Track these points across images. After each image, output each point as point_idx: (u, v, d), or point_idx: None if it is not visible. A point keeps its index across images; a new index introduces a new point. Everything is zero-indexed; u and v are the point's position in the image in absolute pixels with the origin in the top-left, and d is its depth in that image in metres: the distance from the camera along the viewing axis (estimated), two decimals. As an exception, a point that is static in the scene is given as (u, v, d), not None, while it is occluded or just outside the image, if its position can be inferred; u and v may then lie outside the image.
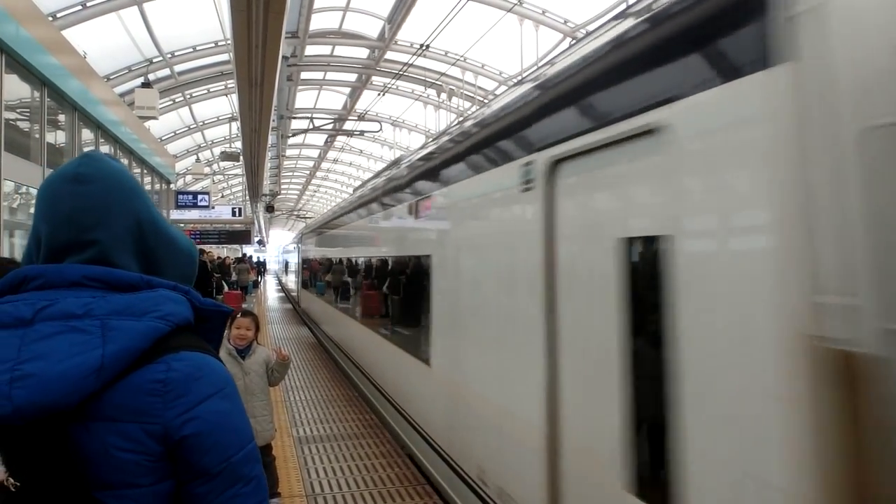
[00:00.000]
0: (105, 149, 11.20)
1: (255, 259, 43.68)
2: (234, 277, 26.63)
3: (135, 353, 1.14)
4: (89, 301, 1.17)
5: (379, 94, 19.10)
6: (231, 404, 1.23)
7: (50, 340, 1.10)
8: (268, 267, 61.79)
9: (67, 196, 1.25)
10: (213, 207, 25.69)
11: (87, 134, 10.09)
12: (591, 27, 13.71)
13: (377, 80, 20.51)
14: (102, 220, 1.26)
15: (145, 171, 14.55)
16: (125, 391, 1.12)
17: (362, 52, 19.37)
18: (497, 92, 16.61)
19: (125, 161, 12.68)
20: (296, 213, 52.24)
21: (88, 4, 12.63)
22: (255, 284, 30.55)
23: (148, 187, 15.06)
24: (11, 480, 0.95)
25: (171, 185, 19.41)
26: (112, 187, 1.28)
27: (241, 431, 1.22)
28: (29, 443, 1.04)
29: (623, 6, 10.95)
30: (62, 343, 1.10)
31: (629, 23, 2.99)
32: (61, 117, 9.26)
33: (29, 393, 1.04)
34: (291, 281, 29.83)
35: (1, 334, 1.10)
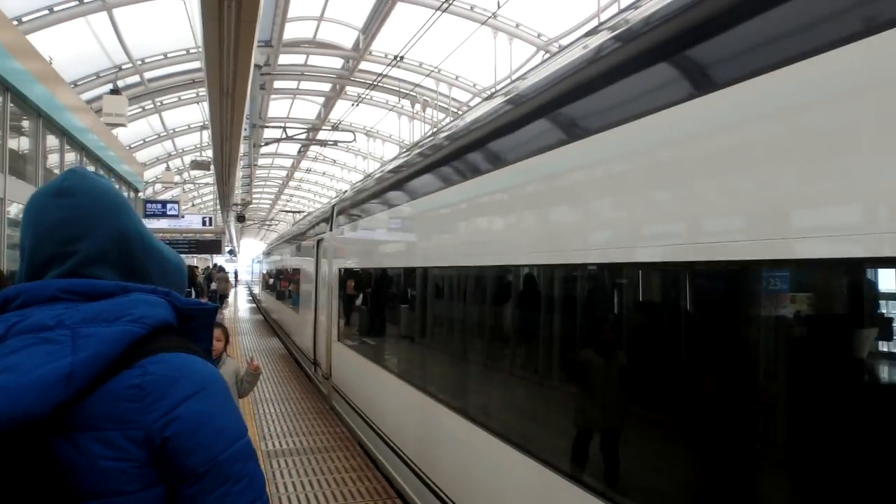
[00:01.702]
0: (71, 156, 10.98)
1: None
2: (213, 287, 26.39)
3: (107, 358, 1.13)
4: (61, 312, 1.17)
5: (353, 105, 19.03)
6: (214, 402, 1.20)
7: (19, 353, 1.10)
8: (239, 277, 61.09)
9: (51, 209, 1.27)
10: (182, 216, 25.32)
11: (51, 140, 9.87)
12: (563, 41, 13.84)
13: (351, 90, 20.44)
14: (85, 233, 1.27)
15: (113, 179, 14.28)
16: (104, 399, 1.12)
17: (336, 62, 19.30)
18: (471, 104, 16.68)
19: (92, 168, 12.43)
20: (268, 222, 51.72)
21: (55, 9, 12.38)
22: (223, 297, 29.67)
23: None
24: None
25: (140, 194, 19.08)
26: (95, 201, 1.29)
27: (226, 430, 1.20)
28: (6, 455, 1.02)
29: (595, 22, 11.07)
30: (31, 354, 1.09)
31: None
32: (25, 123, 9.05)
33: None
34: (255, 286, 41.77)
35: None
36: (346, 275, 9.31)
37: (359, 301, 8.79)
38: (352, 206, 9.31)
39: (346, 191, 12.55)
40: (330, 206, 11.54)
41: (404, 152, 8.54)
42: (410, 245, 6.36)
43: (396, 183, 6.97)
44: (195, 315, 1.35)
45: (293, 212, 34.04)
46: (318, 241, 12.05)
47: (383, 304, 7.38)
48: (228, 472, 1.18)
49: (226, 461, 1.18)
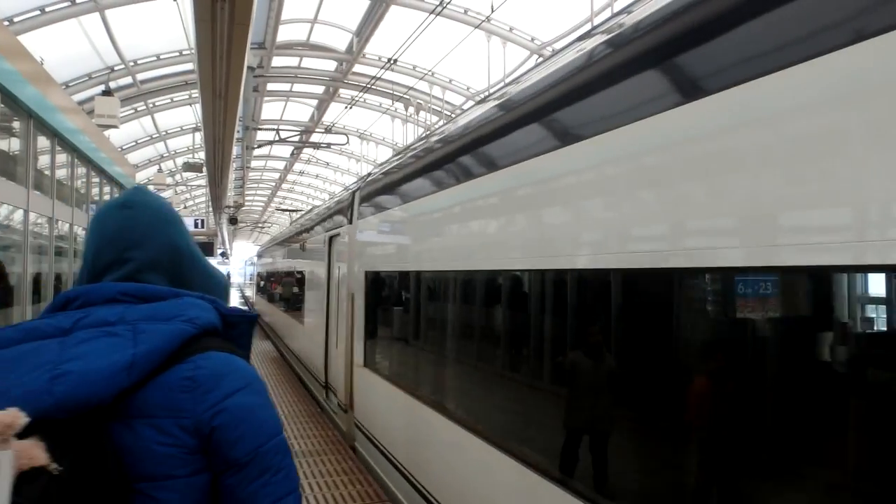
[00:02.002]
0: (62, 157, 10.91)
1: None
2: None
3: (164, 352, 1.26)
4: (122, 310, 1.32)
5: (346, 107, 19.01)
6: (258, 398, 1.33)
7: (86, 344, 1.24)
8: (231, 279, 60.88)
9: (114, 220, 1.45)
10: (175, 218, 25.21)
11: (42, 142, 9.80)
12: (557, 45, 13.86)
13: (345, 92, 20.42)
14: (141, 241, 1.43)
15: (104, 181, 14.19)
16: (158, 389, 1.25)
17: (330, 65, 19.28)
18: (465, 107, 16.67)
19: (83, 170, 12.36)
20: (260, 225, 51.56)
21: (47, 10, 12.34)
22: None
23: (107, 197, 14.70)
24: (55, 465, 1.07)
25: (132, 196, 18.96)
26: (152, 215, 1.46)
27: (268, 423, 1.32)
28: (71, 435, 1.14)
29: (588, 26, 11.10)
30: (97, 345, 1.24)
31: None
32: (16, 124, 8.99)
33: (68, 388, 1.15)
34: (248, 289, 38.64)
35: (42, 343, 1.25)
36: (379, 281, 7.14)
37: (399, 316, 6.47)
38: (388, 190, 6.95)
39: (371, 173, 9.27)
40: (350, 194, 9.06)
41: (476, 104, 6.21)
42: (501, 237, 4.13)
43: (474, 147, 4.65)
44: (237, 322, 1.48)
45: (290, 210, 32.87)
46: (332, 238, 9.91)
47: (444, 324, 5.12)
48: (269, 462, 1.29)
49: (266, 452, 1.29)
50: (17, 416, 1.05)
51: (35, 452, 1.07)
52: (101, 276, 1.41)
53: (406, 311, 6.21)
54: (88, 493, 1.12)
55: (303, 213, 23.87)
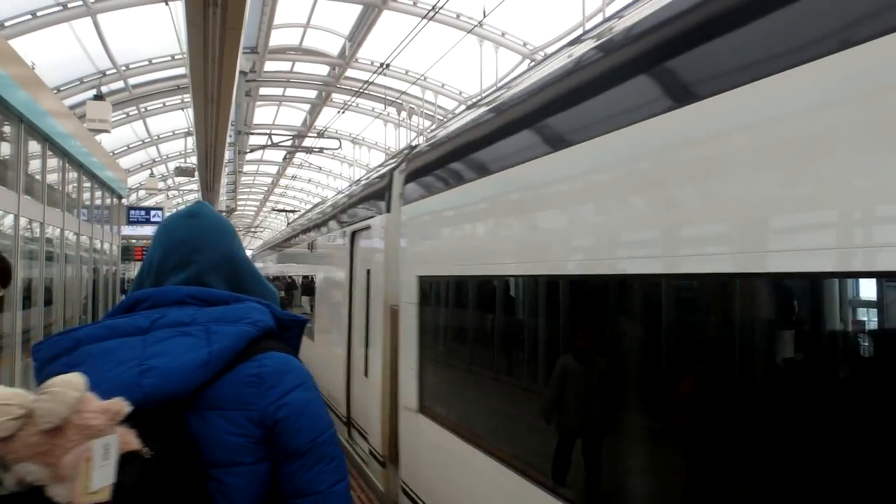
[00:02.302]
0: (53, 162, 10.86)
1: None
2: None
3: (234, 351, 1.43)
4: (192, 312, 1.48)
5: (339, 112, 19.02)
6: (314, 394, 1.50)
7: (165, 343, 1.40)
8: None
9: (181, 228, 1.64)
10: (166, 223, 25.13)
11: (33, 146, 9.76)
12: (548, 50, 13.91)
13: (337, 97, 20.42)
14: (204, 247, 1.61)
15: (96, 186, 14.14)
16: (229, 384, 1.40)
17: (323, 69, 19.29)
18: (456, 111, 16.70)
19: (74, 174, 12.30)
20: (253, 229, 51.44)
21: (39, 14, 12.30)
22: None
23: (98, 202, 14.64)
24: (146, 449, 1.23)
25: (124, 200, 18.90)
26: (214, 225, 1.67)
27: (323, 417, 1.49)
28: (156, 424, 1.30)
29: (580, 31, 11.14)
30: (176, 344, 1.40)
31: None
32: (6, 128, 8.96)
33: (155, 382, 1.33)
34: None
35: (125, 340, 1.41)
36: (440, 291, 4.88)
37: (483, 343, 4.31)
38: (460, 156, 4.74)
39: (416, 144, 7.02)
40: (387, 172, 6.75)
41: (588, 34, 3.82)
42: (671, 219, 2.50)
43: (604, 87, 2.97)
44: (290, 325, 1.63)
45: (288, 210, 31.13)
46: (356, 234, 7.69)
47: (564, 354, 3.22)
48: (324, 452, 1.46)
49: (322, 443, 1.46)
50: (122, 405, 1.24)
51: (130, 438, 1.23)
52: (165, 277, 1.59)
53: (495, 337, 4.14)
54: (172, 476, 1.27)
55: (306, 209, 20.31)
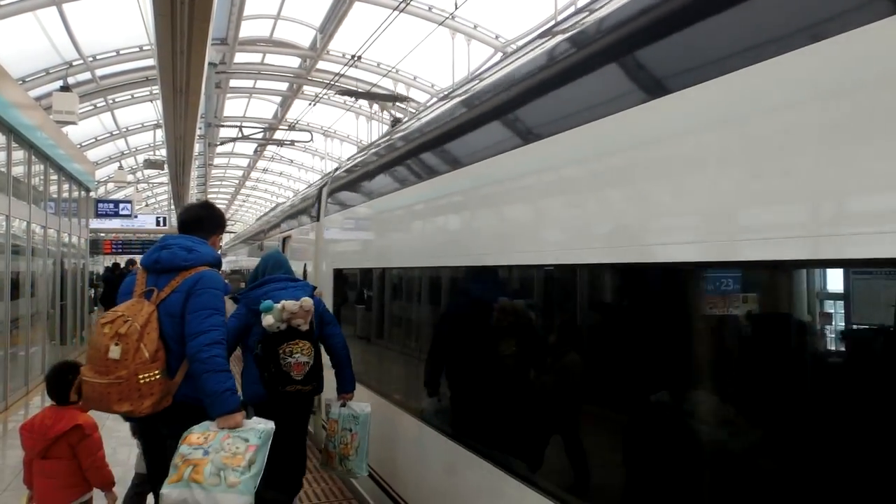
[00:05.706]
0: (18, 154, 10.69)
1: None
2: None
3: (310, 293, 4.58)
4: (292, 284, 4.62)
5: (310, 104, 18.93)
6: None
7: (298, 290, 4.53)
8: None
9: (273, 255, 5.07)
10: (135, 216, 24.79)
11: (-2, 138, 9.61)
12: (520, 42, 14.00)
13: (308, 89, 20.32)
14: (284, 264, 4.96)
15: (62, 178, 13.93)
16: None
17: (294, 61, 19.18)
18: (429, 104, 16.70)
19: (41, 167, 12.12)
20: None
21: (2, 3, 12.05)
22: None
23: (66, 195, 14.42)
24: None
25: (91, 193, 18.62)
26: (283, 257, 5.20)
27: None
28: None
29: (552, 23, 11.23)
30: (299, 289, 4.57)
31: None
32: (-30, 120, 8.81)
33: (308, 305, 4.56)
34: None
35: (286, 286, 4.57)
36: (348, 279, 6.76)
37: (375, 315, 5.83)
38: (355, 184, 6.61)
39: (340, 166, 8.28)
40: (318, 189, 8.23)
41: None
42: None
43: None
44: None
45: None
46: (298, 235, 9.62)
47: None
48: (329, 317, 5.01)
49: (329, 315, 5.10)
50: (310, 302, 4.42)
51: (311, 306, 4.50)
52: (271, 272, 4.74)
53: (385, 313, 5.76)
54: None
55: (263, 213, 22.05)
